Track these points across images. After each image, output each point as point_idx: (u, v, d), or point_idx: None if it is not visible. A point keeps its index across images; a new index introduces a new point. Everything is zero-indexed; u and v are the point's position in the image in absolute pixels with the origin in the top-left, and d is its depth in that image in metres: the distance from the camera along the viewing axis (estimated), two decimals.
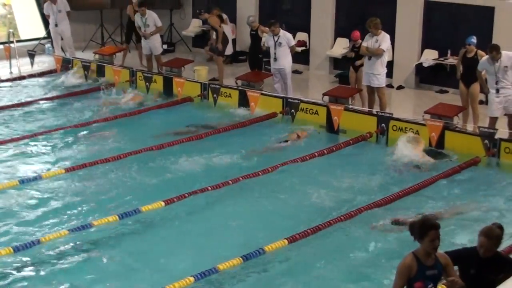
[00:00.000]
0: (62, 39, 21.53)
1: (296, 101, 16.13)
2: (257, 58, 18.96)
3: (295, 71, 19.53)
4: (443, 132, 14.14)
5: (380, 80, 15.78)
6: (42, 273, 9.57)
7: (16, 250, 9.87)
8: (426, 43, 18.73)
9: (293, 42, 17.63)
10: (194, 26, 23.25)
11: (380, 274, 9.45)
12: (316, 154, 13.90)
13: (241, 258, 9.69)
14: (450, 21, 18.46)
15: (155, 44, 19.58)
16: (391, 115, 14.86)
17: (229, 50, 20.27)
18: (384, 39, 15.64)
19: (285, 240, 10.23)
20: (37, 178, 12.52)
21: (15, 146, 14.32)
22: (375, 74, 15.71)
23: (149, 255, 10.07)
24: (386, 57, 15.88)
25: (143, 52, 20.00)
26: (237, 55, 21.63)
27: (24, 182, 12.33)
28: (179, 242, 10.53)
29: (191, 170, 13.15)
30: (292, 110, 16.05)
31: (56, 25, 21.25)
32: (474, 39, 14.97)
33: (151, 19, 19.32)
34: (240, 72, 19.00)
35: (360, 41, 16.40)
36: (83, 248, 10.22)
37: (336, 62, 20.17)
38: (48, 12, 21.29)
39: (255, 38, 18.69)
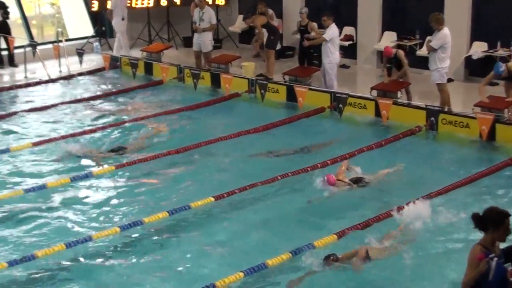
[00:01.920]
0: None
1: (344, 95, 16.05)
2: (308, 53, 18.88)
3: (342, 66, 19.53)
4: (493, 125, 13.96)
5: (436, 76, 15.53)
6: (95, 267, 9.76)
7: (68, 246, 10.05)
8: (475, 35, 18.52)
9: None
10: (241, 22, 23.27)
11: None
12: (365, 148, 13.80)
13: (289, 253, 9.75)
14: (499, 12, 18.19)
15: (205, 41, 19.64)
16: (441, 109, 14.72)
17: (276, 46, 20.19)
18: (438, 36, 15.38)
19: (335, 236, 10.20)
20: (88, 176, 12.69)
21: (65, 143, 14.51)
22: (432, 70, 15.54)
23: (212, 246, 10.23)
24: (444, 53, 15.51)
25: (193, 48, 19.99)
26: (284, 51, 21.56)
27: (75, 179, 12.53)
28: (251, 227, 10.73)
29: (241, 166, 13.23)
30: (340, 105, 16.00)
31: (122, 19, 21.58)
32: None
33: (207, 15, 19.46)
34: (287, 67, 18.99)
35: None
36: (134, 245, 10.37)
37: None
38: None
39: (304, 33, 18.60)
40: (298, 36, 19.30)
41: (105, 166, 13.19)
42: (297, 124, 15.65)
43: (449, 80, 17.91)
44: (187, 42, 22.06)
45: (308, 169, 12.76)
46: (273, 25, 19.86)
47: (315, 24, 18.10)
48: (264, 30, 19.33)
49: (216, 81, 18.44)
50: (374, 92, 16.29)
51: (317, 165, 12.87)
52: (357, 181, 11.97)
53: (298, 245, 9.82)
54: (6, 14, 21.49)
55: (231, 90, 17.85)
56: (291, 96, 16.90)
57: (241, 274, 9.13)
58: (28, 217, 11.14)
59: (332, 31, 17.21)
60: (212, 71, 18.84)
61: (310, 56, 19.04)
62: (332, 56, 17.26)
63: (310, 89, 16.73)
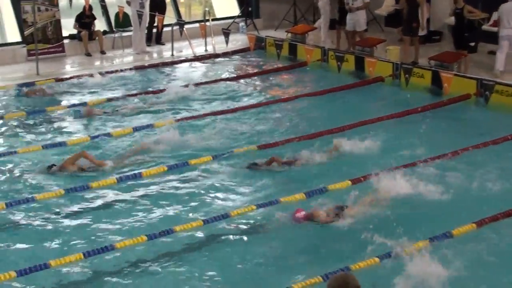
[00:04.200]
0: None
1: (491, 82, 15.76)
2: (463, 37, 18.53)
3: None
4: None
5: None
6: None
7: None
8: None
9: None
10: (387, 6, 23.15)
11: None
12: None
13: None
14: None
15: (360, 20, 19.68)
16: None
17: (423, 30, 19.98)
18: None
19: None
20: (230, 156, 12.82)
21: (211, 121, 14.79)
22: None
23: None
24: None
25: (347, 28, 19.98)
26: (430, 35, 21.31)
27: (217, 157, 12.70)
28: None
29: (381, 151, 13.01)
30: (487, 92, 15.71)
31: None
32: None
33: None
34: (433, 52, 18.74)
35: None
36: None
37: None
38: None
39: (460, 16, 18.19)
40: (452, 19, 18.88)
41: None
42: (441, 110, 15.43)
43: None
44: (331, 24, 22.11)
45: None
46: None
47: (472, 8, 17.76)
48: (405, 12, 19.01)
49: (360, 64, 18.44)
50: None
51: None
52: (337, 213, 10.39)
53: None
54: None
55: (375, 73, 17.81)
56: (436, 81, 16.71)
57: None
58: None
59: None
60: (356, 54, 18.82)
61: (465, 40, 18.55)
62: None
63: (456, 75, 16.52)
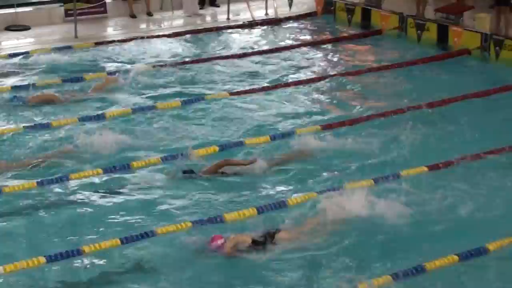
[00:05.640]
0: None
1: None
2: None
3: None
4: None
5: None
6: None
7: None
8: None
9: None
10: None
11: None
12: None
13: None
14: None
15: None
16: None
17: None
18: None
19: None
20: (290, 134, 12.16)
21: (265, 95, 14.23)
22: None
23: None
24: None
25: None
26: None
27: (276, 137, 12.05)
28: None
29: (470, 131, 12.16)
30: None
31: None
32: None
33: None
34: None
35: None
36: None
37: None
38: None
39: None
40: None
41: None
42: None
43: None
44: None
45: None
46: None
47: None
48: None
49: (443, 34, 17.36)
50: None
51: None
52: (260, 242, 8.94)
53: None
54: None
55: (460, 45, 16.80)
56: None
57: None
58: None
59: None
60: (439, 22, 17.71)
61: None
62: None
63: None
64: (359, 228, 9.09)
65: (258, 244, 8.64)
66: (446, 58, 16.44)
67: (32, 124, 12.55)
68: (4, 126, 12.51)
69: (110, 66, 16.01)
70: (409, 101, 13.57)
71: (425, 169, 10.75)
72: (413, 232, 9.05)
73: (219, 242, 8.57)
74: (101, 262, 8.57)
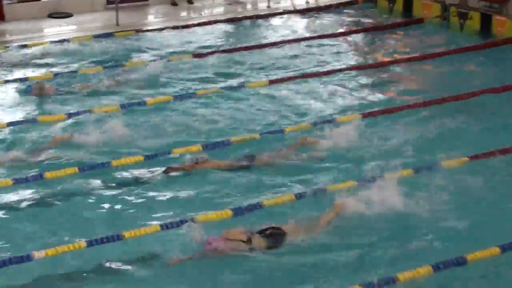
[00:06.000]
0: None
1: None
2: None
3: None
4: None
5: None
6: None
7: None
8: None
9: None
10: None
11: None
12: None
13: None
14: None
15: None
16: None
17: None
18: None
19: None
20: (330, 121, 12.07)
21: (304, 83, 14.17)
22: None
23: None
24: None
25: None
26: None
27: (317, 124, 12.01)
28: None
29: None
30: None
31: None
32: None
33: None
34: None
35: None
36: None
37: None
38: None
39: None
40: None
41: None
42: None
43: None
44: None
45: None
46: None
47: None
48: None
49: (486, 23, 17.17)
50: None
51: None
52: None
53: None
54: None
55: (505, 34, 16.59)
56: None
57: None
58: None
59: None
60: (482, 11, 17.49)
61: None
62: None
63: None
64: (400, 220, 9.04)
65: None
66: (489, 48, 16.17)
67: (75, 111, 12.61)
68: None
69: (151, 54, 15.91)
70: (449, 91, 13.35)
71: (466, 159, 10.55)
72: (454, 224, 8.88)
73: (216, 243, 8.24)
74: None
